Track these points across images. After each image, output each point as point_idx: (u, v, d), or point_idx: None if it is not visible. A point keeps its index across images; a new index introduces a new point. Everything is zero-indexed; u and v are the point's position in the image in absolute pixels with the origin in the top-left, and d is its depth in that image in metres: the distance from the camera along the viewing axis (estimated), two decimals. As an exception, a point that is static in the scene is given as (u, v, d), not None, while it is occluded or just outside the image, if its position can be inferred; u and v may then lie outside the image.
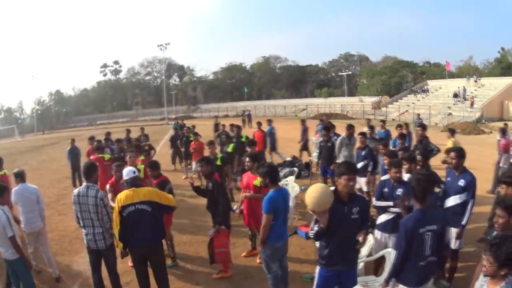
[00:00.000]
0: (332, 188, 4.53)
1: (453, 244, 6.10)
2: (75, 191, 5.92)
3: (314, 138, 16.89)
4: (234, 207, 10.04)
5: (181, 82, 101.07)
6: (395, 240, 4.78)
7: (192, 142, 14.27)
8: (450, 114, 40.52)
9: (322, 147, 11.48)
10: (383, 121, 15.68)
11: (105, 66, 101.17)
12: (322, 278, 4.67)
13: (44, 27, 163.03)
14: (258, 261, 7.36)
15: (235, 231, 8.79)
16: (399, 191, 5.95)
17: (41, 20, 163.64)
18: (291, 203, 9.11)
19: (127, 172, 5.74)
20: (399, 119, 40.35)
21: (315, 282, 4.78)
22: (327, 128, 11.85)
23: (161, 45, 67.89)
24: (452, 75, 60.34)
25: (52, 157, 26.29)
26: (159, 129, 38.13)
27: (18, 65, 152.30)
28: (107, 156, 10.64)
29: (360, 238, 4.52)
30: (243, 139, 13.60)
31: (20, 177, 7.40)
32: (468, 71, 63.61)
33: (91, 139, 13.99)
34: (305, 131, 17.09)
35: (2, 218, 5.49)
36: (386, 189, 6.11)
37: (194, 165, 14.16)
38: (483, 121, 35.98)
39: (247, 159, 7.32)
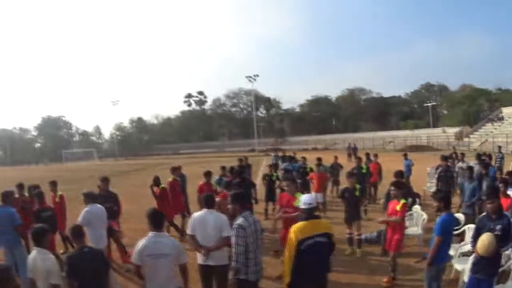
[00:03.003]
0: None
1: None
2: (243, 223, 5.20)
3: (429, 169, 17.35)
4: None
5: (267, 114, 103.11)
6: None
7: (313, 174, 14.36)
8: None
9: (442, 177, 12.00)
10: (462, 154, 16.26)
11: (189, 96, 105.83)
12: (467, 282, 5.57)
13: (128, 55, 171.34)
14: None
15: (368, 258, 9.30)
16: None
17: (126, 48, 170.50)
18: (420, 230, 9.78)
19: (308, 199, 5.21)
20: (481, 149, 38.77)
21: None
22: (446, 158, 12.51)
23: (249, 76, 70.04)
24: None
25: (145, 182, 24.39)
26: (256, 160, 36.61)
27: (98, 89, 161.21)
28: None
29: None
30: (364, 170, 14.24)
31: (92, 198, 7.97)
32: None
33: (207, 174, 11.35)
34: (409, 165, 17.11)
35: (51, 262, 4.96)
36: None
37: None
38: None
39: (392, 187, 7.94)
